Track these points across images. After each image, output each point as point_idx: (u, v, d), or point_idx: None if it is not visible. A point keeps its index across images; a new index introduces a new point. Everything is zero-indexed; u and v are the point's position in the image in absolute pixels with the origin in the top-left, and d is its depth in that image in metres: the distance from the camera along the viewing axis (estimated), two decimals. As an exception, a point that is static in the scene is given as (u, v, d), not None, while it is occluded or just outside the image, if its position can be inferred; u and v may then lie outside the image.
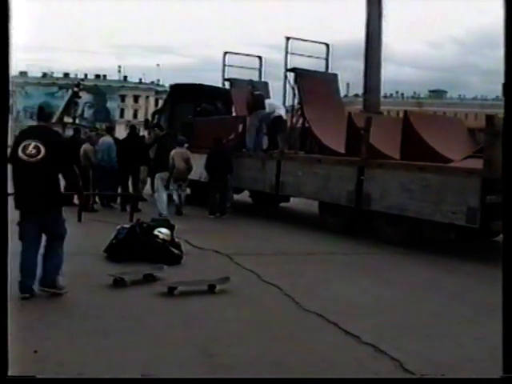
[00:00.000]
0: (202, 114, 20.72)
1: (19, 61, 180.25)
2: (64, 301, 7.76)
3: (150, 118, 26.80)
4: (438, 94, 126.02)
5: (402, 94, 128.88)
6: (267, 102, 18.08)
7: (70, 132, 33.95)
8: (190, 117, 20.70)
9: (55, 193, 7.93)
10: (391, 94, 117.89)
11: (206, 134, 18.80)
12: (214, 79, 33.62)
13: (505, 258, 3.86)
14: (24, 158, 7.61)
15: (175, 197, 16.61)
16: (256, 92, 17.90)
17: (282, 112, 17.81)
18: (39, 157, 7.60)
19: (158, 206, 15.73)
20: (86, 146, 17.36)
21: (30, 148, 7.63)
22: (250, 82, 20.12)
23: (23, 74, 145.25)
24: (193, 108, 21.02)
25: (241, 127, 18.22)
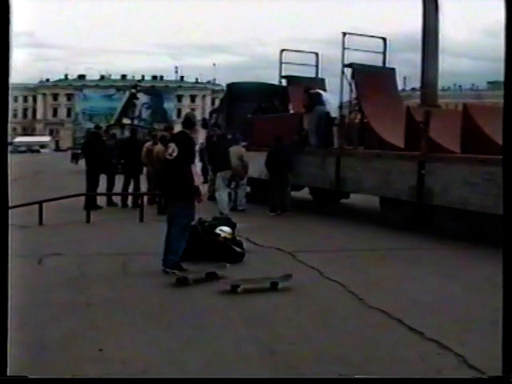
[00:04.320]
0: (261, 112, 20.79)
1: (77, 64, 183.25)
2: (128, 299, 7.91)
3: (207, 117, 26.95)
4: (496, 85, 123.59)
5: (460, 86, 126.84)
6: (323, 94, 18.08)
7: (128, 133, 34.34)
8: (249, 116, 20.77)
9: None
10: (449, 87, 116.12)
11: (265, 132, 18.87)
12: (269, 77, 33.65)
13: (505, 258, 3.82)
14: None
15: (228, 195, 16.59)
16: (312, 91, 17.88)
17: (331, 107, 17.75)
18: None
19: (218, 205, 15.82)
20: (158, 148, 17.05)
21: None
22: (308, 79, 20.15)
23: (82, 77, 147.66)
24: (250, 106, 21.08)
25: (301, 125, 18.23)
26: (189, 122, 10.21)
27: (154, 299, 7.95)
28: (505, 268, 3.82)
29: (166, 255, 9.39)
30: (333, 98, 18.27)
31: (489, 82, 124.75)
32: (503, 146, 3.82)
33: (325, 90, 20.21)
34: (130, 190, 18.57)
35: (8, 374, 3.62)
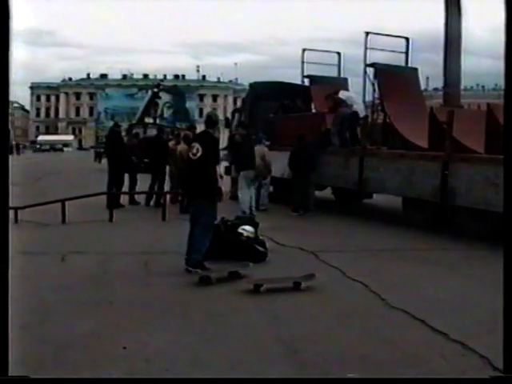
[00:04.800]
0: (283, 112, 20.81)
1: (99, 63, 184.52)
2: (151, 298, 7.93)
3: (229, 116, 26.97)
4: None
5: (483, 87, 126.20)
6: (346, 94, 18.05)
7: (152, 132, 34.40)
8: (271, 115, 20.79)
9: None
10: (471, 87, 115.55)
11: (288, 131, 18.88)
12: (291, 76, 33.66)
13: (505, 259, 3.81)
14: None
15: (252, 194, 16.46)
16: (336, 96, 17.86)
17: (359, 107, 17.74)
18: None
19: (241, 205, 15.84)
20: (181, 147, 17.11)
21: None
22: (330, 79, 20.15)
23: (104, 76, 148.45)
24: (272, 106, 21.09)
25: (323, 125, 18.22)
26: (211, 121, 10.26)
27: (176, 298, 7.98)
28: (505, 268, 3.81)
29: (189, 254, 9.42)
30: (358, 97, 18.26)
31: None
32: (503, 147, 3.81)
33: (347, 89, 20.18)
34: (155, 188, 18.59)
35: (9, 373, 3.64)
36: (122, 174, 18.37)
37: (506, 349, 3.85)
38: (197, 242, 9.47)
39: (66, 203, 14.51)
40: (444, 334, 6.40)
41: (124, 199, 18.04)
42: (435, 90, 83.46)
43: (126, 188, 18.78)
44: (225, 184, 16.95)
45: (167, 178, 18.58)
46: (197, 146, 9.66)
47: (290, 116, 20.35)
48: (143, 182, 19.12)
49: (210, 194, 9.59)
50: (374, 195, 18.56)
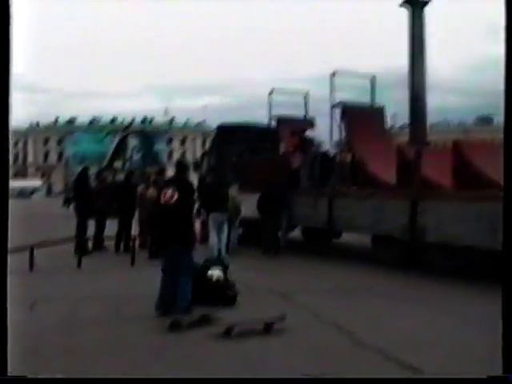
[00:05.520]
0: (249, 154, 20.84)
1: (67, 108, 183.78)
2: (121, 343, 7.83)
3: (198, 159, 26.97)
4: (484, 120, 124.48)
5: (448, 123, 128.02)
6: (313, 135, 18.26)
7: (120, 177, 34.22)
8: (234, 159, 20.78)
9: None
10: (437, 122, 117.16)
11: (256, 173, 18.89)
12: (260, 117, 33.84)
13: (504, 260, 3.81)
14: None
15: (222, 236, 16.19)
16: (303, 134, 18.00)
17: (327, 147, 17.91)
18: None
19: (209, 247, 15.73)
20: (152, 191, 16.66)
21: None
22: (297, 119, 20.30)
23: (72, 121, 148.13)
24: (240, 148, 21.11)
25: (291, 165, 18.29)
26: (182, 165, 10.34)
27: (147, 343, 7.87)
28: (505, 268, 3.81)
29: (176, 303, 9.39)
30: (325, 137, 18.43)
31: (477, 117, 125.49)
32: (504, 150, 3.82)
33: (313, 129, 20.36)
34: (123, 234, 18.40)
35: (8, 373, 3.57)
36: (85, 219, 18.14)
37: (505, 349, 3.83)
38: (184, 291, 9.47)
39: (35, 250, 14.33)
40: (419, 370, 6.35)
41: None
42: (401, 127, 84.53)
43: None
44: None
45: (135, 222, 18.39)
46: (170, 190, 9.60)
47: (257, 158, 20.39)
48: (113, 226, 18.94)
49: (187, 239, 9.62)
50: (343, 234, 18.58)
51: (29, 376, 4.06)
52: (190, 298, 9.46)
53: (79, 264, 14.52)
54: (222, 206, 16.07)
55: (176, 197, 9.52)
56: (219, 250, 15.69)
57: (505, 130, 3.82)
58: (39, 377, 4.61)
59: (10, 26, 3.47)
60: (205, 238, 17.42)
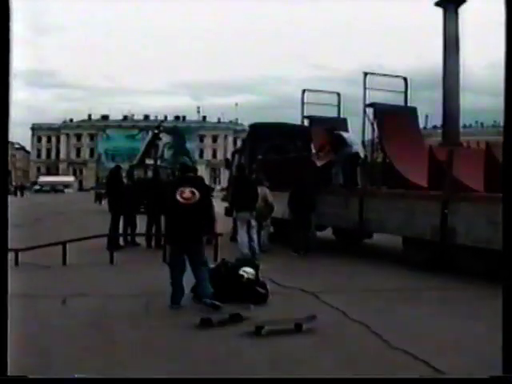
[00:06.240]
0: (277, 153, 20.88)
1: (100, 104, 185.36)
2: (151, 340, 7.90)
3: (229, 157, 27.08)
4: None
5: (482, 124, 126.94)
6: (346, 135, 18.17)
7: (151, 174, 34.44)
8: (260, 157, 20.84)
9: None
10: (470, 125, 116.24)
11: (287, 171, 18.93)
12: (290, 116, 33.86)
13: (504, 260, 3.82)
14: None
15: (252, 235, 16.25)
16: (335, 132, 17.97)
17: (358, 148, 17.83)
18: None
19: (239, 246, 15.83)
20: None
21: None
22: (330, 120, 20.27)
23: (105, 117, 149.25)
24: (273, 147, 21.18)
25: (323, 165, 18.32)
26: (186, 167, 11.31)
27: (177, 341, 7.96)
28: (505, 269, 3.83)
29: (204, 292, 9.87)
30: (356, 138, 18.35)
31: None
32: (503, 151, 3.84)
33: (347, 129, 20.30)
34: (152, 230, 18.56)
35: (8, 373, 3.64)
36: (118, 216, 18.37)
37: (505, 349, 3.85)
38: (203, 279, 9.98)
39: (67, 245, 14.51)
40: (445, 373, 6.36)
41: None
42: (434, 127, 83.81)
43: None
44: (226, 225, 16.98)
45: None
46: (190, 189, 9.90)
47: (288, 156, 20.44)
48: (143, 223, 19.10)
49: (200, 235, 10.28)
50: (374, 235, 18.54)
51: (29, 376, 4.13)
52: (210, 285, 9.90)
53: (111, 260, 14.69)
54: (249, 205, 16.11)
55: (198, 195, 9.85)
56: (251, 249, 15.75)
57: (505, 129, 3.84)
58: (39, 377, 4.68)
59: (10, 25, 3.54)
60: (234, 236, 17.51)
